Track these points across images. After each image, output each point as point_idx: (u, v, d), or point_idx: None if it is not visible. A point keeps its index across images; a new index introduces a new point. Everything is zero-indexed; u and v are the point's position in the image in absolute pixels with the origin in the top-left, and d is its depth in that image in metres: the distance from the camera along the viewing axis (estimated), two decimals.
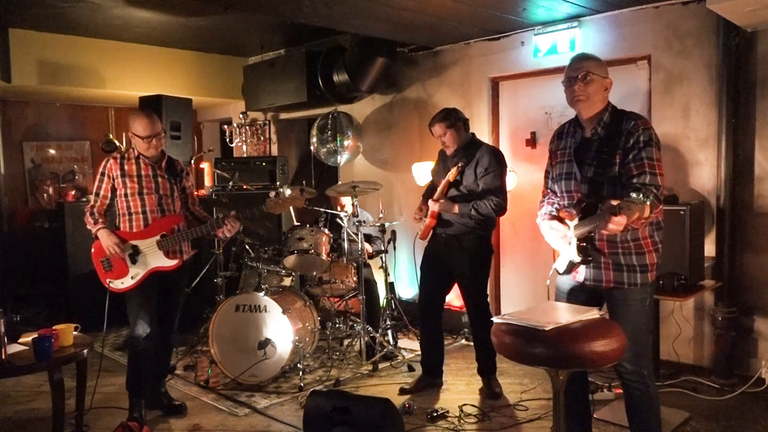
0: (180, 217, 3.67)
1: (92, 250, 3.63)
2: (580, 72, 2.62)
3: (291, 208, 5.19)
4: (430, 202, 3.90)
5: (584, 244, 2.51)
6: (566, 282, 2.78)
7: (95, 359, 3.96)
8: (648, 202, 2.13)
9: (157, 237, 3.55)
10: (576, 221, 2.52)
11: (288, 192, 3.61)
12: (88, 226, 3.59)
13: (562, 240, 2.66)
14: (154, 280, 3.58)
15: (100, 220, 3.57)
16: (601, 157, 2.57)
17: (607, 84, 2.63)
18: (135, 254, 3.54)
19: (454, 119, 3.92)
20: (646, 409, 2.69)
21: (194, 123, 6.99)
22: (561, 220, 2.64)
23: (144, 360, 3.60)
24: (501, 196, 3.81)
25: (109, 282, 3.58)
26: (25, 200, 6.82)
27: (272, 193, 3.62)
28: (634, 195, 2.13)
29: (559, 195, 2.75)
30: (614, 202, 2.15)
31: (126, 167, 3.58)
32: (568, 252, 2.61)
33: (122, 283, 3.56)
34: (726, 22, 3.86)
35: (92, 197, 3.64)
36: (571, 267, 2.66)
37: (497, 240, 5.34)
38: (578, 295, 2.72)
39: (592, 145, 2.63)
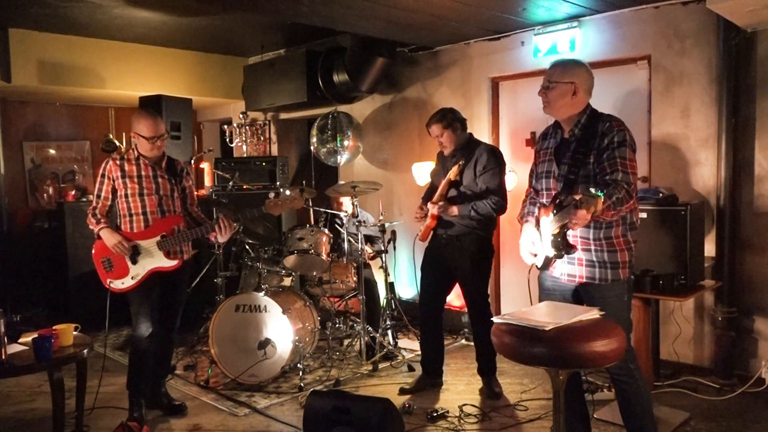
0: (180, 218, 3.67)
1: (93, 250, 3.64)
2: (544, 81, 2.76)
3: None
4: (430, 205, 3.90)
5: (558, 239, 2.60)
6: (547, 279, 2.87)
7: (96, 359, 3.96)
8: (600, 195, 2.24)
9: (158, 237, 3.55)
10: (551, 217, 2.62)
11: (287, 192, 3.61)
12: (90, 227, 3.60)
13: (530, 255, 2.81)
14: (156, 280, 3.59)
15: (102, 220, 3.58)
16: (576, 156, 2.68)
17: (572, 88, 2.68)
18: (135, 254, 3.54)
19: (450, 120, 3.91)
20: (638, 402, 2.76)
21: (194, 123, 6.99)
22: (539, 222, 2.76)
23: (145, 359, 3.61)
24: (500, 194, 3.81)
25: (110, 282, 3.58)
26: (25, 200, 6.82)
27: (271, 194, 3.63)
28: (592, 189, 2.27)
29: (540, 193, 2.87)
30: (577, 197, 2.28)
31: (126, 168, 3.58)
32: (544, 247, 2.72)
33: (122, 283, 3.56)
34: (726, 22, 3.86)
35: (94, 199, 3.65)
36: (548, 262, 2.76)
37: (497, 240, 5.34)
38: (558, 292, 2.82)
39: (569, 146, 2.74)
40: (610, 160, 2.58)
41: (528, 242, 2.84)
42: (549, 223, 2.64)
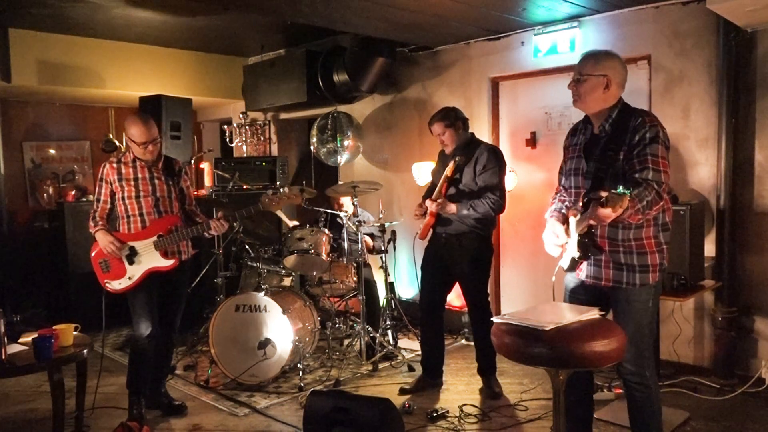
0: (177, 218, 3.68)
1: (92, 253, 3.65)
2: (575, 73, 2.65)
3: (284, 216, 5.22)
4: (428, 202, 3.90)
5: (585, 240, 2.51)
6: (572, 280, 2.78)
7: (95, 359, 3.96)
8: (628, 194, 2.14)
9: (154, 238, 3.56)
10: (578, 217, 2.52)
11: (285, 189, 3.61)
12: (90, 230, 3.62)
13: (556, 247, 2.69)
14: (156, 280, 3.59)
15: (100, 223, 3.59)
16: (606, 153, 2.57)
17: (604, 81, 2.58)
18: (132, 255, 3.55)
19: (453, 119, 3.92)
20: (648, 410, 2.70)
21: (194, 123, 6.98)
22: (567, 222, 2.64)
23: (145, 359, 3.61)
24: (499, 193, 3.81)
25: (107, 283, 3.60)
26: (25, 200, 6.81)
27: (269, 191, 3.62)
28: (620, 188, 2.15)
29: (568, 190, 2.78)
30: (603, 194, 2.18)
31: (123, 171, 3.59)
32: (570, 248, 2.62)
33: (119, 283, 3.57)
34: (726, 22, 3.86)
35: (94, 203, 3.67)
36: (574, 264, 2.65)
37: (497, 240, 5.34)
38: (583, 294, 2.73)
39: (599, 142, 2.64)
40: (640, 157, 2.46)
41: (551, 235, 2.69)
42: (576, 223, 2.53)
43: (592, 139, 2.69)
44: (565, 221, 2.66)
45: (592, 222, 2.39)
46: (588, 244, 2.51)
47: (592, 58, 2.65)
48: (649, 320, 2.65)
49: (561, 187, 2.86)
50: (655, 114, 4.31)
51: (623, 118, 2.59)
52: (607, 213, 2.17)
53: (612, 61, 2.63)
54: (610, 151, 2.55)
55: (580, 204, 2.55)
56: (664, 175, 2.46)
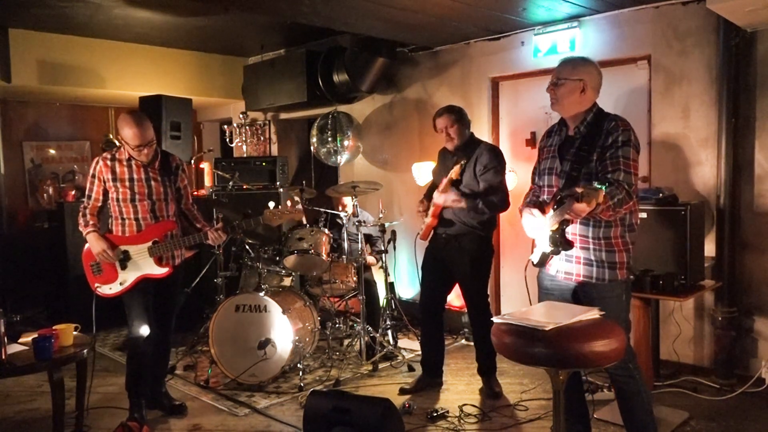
0: (173, 224, 3.58)
1: (84, 253, 3.57)
2: (553, 78, 2.76)
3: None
4: (436, 194, 3.88)
5: (556, 235, 2.61)
6: (546, 278, 2.87)
7: (96, 359, 3.95)
8: (603, 188, 2.25)
9: (149, 243, 3.47)
10: (551, 212, 2.62)
11: (288, 204, 3.60)
12: (80, 228, 3.51)
13: (537, 229, 2.76)
14: (150, 283, 3.53)
15: (91, 222, 3.48)
16: (579, 153, 2.69)
17: (581, 86, 2.68)
18: (125, 260, 3.46)
19: (459, 114, 3.92)
20: (638, 400, 2.76)
21: (194, 123, 6.99)
22: (541, 210, 2.73)
23: (143, 360, 3.59)
24: (502, 192, 3.82)
25: (97, 286, 3.50)
26: (25, 200, 6.82)
27: (271, 204, 3.57)
28: (595, 183, 2.28)
29: (542, 189, 2.87)
30: (579, 189, 2.28)
31: (117, 170, 3.46)
32: (541, 243, 2.71)
33: (110, 288, 3.49)
34: (726, 22, 3.86)
35: (85, 199, 3.55)
36: (545, 258, 2.76)
37: (497, 240, 5.34)
38: (557, 292, 2.81)
39: (574, 143, 2.74)
40: (612, 158, 2.58)
41: (530, 219, 2.76)
42: (548, 218, 2.63)
43: (566, 140, 2.79)
44: (536, 208, 2.74)
45: (567, 217, 2.49)
46: (559, 240, 2.60)
47: (569, 63, 2.78)
48: (624, 315, 2.76)
49: (535, 186, 2.97)
50: (654, 114, 4.37)
51: (597, 121, 2.71)
52: (583, 207, 2.29)
53: (588, 67, 2.75)
54: (583, 152, 2.68)
55: (552, 202, 2.64)
56: (634, 177, 2.59)
